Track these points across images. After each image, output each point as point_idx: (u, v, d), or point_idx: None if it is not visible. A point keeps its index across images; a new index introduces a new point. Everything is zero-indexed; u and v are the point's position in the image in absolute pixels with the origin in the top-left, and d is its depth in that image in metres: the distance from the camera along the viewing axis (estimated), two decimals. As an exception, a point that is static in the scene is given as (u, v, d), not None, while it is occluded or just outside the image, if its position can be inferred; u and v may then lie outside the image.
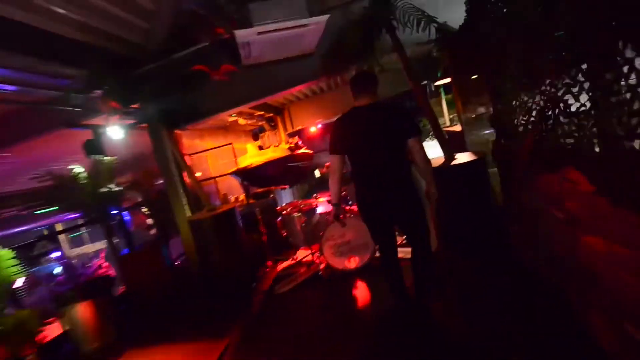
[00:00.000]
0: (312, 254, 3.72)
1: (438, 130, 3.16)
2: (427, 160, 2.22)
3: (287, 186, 7.86)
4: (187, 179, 3.88)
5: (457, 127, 4.80)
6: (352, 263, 3.37)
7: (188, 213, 4.18)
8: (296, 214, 3.63)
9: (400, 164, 2.20)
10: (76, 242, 10.52)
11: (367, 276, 3.25)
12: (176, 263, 4.54)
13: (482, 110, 3.92)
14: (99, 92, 3.51)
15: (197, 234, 3.75)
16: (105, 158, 3.76)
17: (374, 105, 2.18)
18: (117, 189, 3.73)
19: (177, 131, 4.47)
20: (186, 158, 4.59)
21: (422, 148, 2.18)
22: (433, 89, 6.44)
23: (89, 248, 9.95)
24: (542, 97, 1.81)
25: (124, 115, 4.03)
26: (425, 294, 2.38)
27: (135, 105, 3.95)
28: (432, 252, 2.50)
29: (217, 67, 3.45)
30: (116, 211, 4.16)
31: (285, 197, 7.30)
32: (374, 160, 2.17)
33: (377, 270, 3.22)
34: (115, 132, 3.78)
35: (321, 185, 12.85)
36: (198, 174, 6.27)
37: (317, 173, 14.93)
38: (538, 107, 1.89)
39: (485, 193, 2.99)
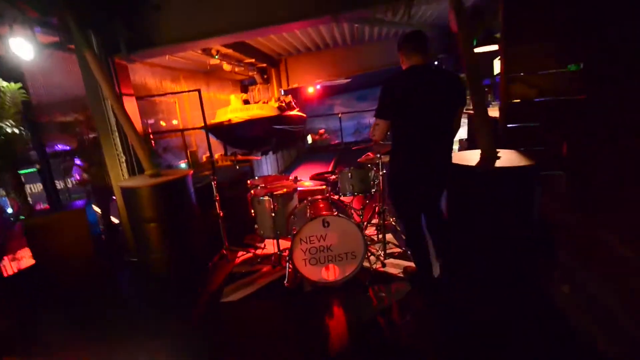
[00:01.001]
0: (280, 252, 2.85)
1: (481, 108, 2.18)
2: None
3: (269, 151, 6.82)
4: (127, 130, 2.81)
5: (493, 111, 3.79)
6: (331, 274, 2.52)
7: (126, 175, 3.18)
8: (266, 197, 2.70)
9: (452, 133, 2.13)
10: None
11: (350, 296, 2.42)
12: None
13: (532, 93, 2.91)
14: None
15: (130, 207, 2.79)
16: (3, 84, 2.63)
17: (431, 66, 2.03)
18: (18, 130, 2.65)
19: (124, 62, 3.30)
20: (138, 103, 3.49)
21: (460, 117, 2.12)
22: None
23: None
24: None
25: (42, 28, 2.85)
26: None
27: (57, 17, 2.76)
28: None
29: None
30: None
31: (266, 164, 6.32)
32: (432, 128, 2.02)
33: (363, 287, 2.41)
34: (20, 48, 2.62)
35: (312, 155, 11.88)
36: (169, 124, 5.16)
37: (309, 139, 13.79)
38: None
39: (529, 213, 2.11)
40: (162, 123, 7.38)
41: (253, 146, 6.73)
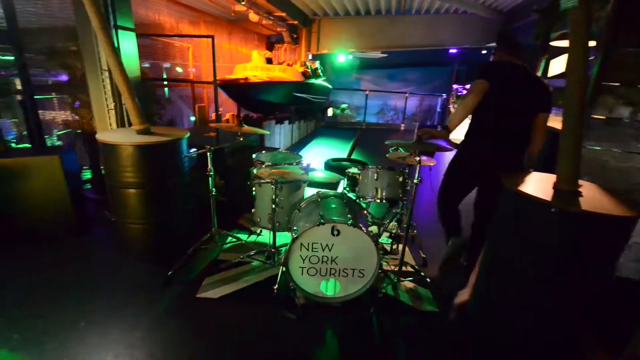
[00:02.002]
0: (274, 249, 2.41)
1: (574, 121, 1.59)
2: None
3: (286, 120, 6.23)
4: (114, 71, 2.28)
5: (556, 123, 3.16)
6: (330, 289, 2.09)
7: (114, 125, 2.71)
8: (268, 182, 2.20)
9: (525, 138, 2.13)
10: None
11: (348, 320, 2.00)
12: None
13: (625, 112, 2.25)
14: None
15: (107, 165, 2.35)
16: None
17: (526, 68, 2.12)
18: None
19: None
20: (147, 43, 2.93)
21: (544, 127, 2.11)
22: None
23: None
24: None
25: None
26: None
27: None
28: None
29: None
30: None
31: (280, 134, 5.77)
32: (510, 124, 2.10)
33: (366, 313, 1.97)
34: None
35: (330, 130, 11.23)
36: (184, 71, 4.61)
37: (329, 112, 13.02)
38: None
39: (608, 269, 1.59)
40: (179, 69, 6.81)
41: (269, 111, 6.16)
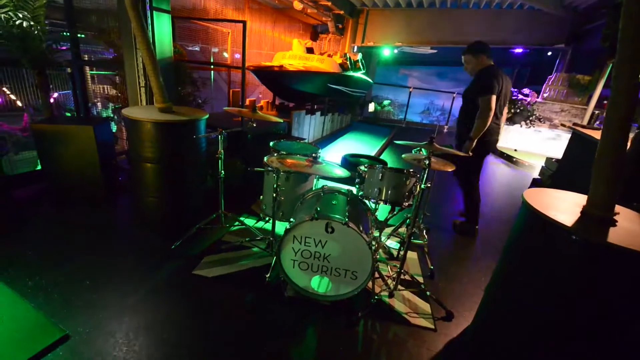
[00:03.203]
0: (272, 238, 2.39)
1: (618, 135, 1.33)
2: None
3: (318, 112, 6.17)
4: (142, 50, 2.40)
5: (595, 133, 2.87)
6: (322, 286, 2.03)
7: (144, 102, 2.87)
8: (272, 171, 2.17)
9: None
10: None
11: (333, 322, 1.93)
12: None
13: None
14: None
15: (130, 139, 2.50)
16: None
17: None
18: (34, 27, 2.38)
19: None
20: (189, 26, 3.05)
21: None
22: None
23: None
24: None
25: None
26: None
27: None
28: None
29: None
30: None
31: (310, 125, 5.72)
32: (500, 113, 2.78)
33: (353, 317, 1.87)
34: None
35: (367, 125, 11.05)
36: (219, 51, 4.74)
37: (370, 107, 12.69)
38: None
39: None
40: (225, 54, 7.05)
41: (303, 100, 6.14)
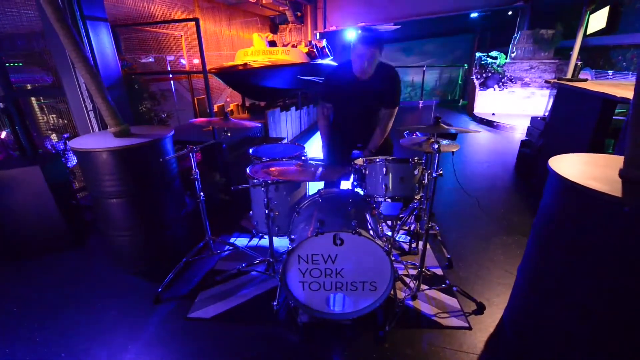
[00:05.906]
0: (273, 259, 2.12)
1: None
2: None
3: (293, 107, 5.84)
4: (80, 68, 2.00)
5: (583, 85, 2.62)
6: (338, 304, 1.79)
7: (96, 128, 2.48)
8: (259, 183, 1.87)
9: None
10: None
11: (357, 342, 1.70)
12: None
13: None
14: None
15: (85, 174, 2.12)
16: None
17: None
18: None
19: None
20: (138, 35, 2.64)
21: None
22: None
23: None
24: None
25: None
26: None
27: None
28: None
29: None
30: None
31: (286, 121, 5.40)
32: None
33: (379, 333, 1.64)
34: None
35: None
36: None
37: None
38: None
39: None
40: (183, 61, 6.54)
41: (274, 98, 5.79)
